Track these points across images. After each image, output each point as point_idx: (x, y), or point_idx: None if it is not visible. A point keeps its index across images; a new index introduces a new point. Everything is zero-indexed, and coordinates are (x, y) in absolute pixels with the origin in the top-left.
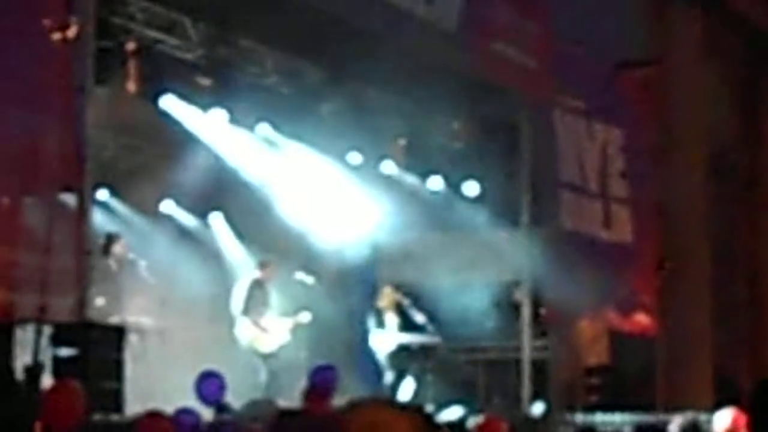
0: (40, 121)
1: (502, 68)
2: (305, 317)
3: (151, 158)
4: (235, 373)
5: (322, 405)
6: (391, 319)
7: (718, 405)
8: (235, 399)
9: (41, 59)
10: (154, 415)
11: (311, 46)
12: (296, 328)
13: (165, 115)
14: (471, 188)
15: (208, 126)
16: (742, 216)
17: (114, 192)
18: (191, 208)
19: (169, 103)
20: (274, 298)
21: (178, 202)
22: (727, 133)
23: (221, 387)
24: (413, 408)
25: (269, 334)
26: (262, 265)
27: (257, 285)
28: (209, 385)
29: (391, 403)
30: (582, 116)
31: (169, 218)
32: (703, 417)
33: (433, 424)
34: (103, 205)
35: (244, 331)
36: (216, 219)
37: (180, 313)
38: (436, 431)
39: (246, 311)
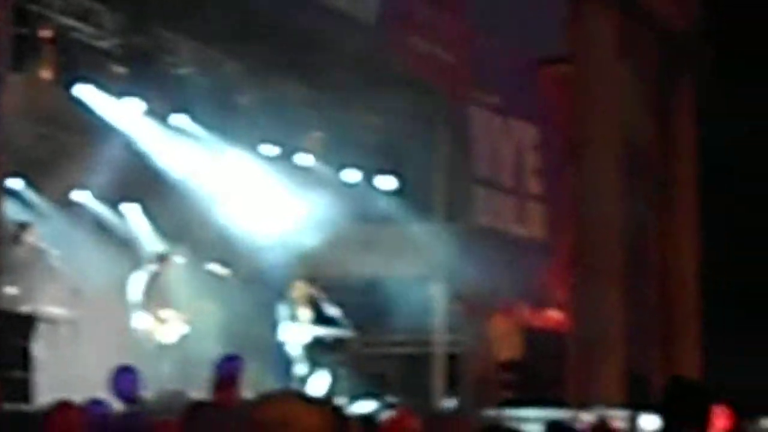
0: None
1: (419, 62)
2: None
3: (67, 147)
4: (143, 364)
5: (230, 395)
6: (304, 312)
7: (629, 402)
8: (142, 390)
9: None
10: (63, 405)
11: (229, 37)
12: (205, 319)
13: (80, 104)
14: (388, 182)
15: (123, 115)
16: (655, 215)
17: (28, 181)
18: (106, 198)
19: (83, 91)
20: (181, 289)
21: (93, 192)
22: (642, 133)
23: (136, 381)
24: (323, 401)
25: (168, 325)
26: (161, 258)
27: (155, 277)
28: (124, 379)
29: (301, 396)
30: (498, 112)
31: (82, 208)
32: (612, 413)
33: (342, 417)
34: (16, 195)
35: (142, 322)
36: (130, 209)
37: (92, 303)
38: (346, 424)
39: (143, 303)
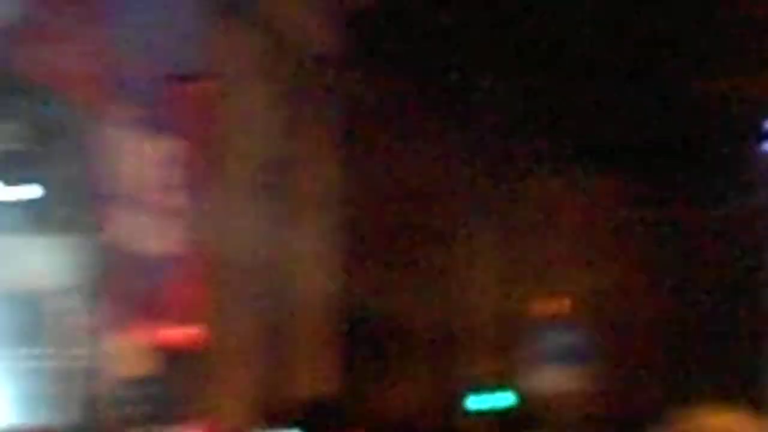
0: None
1: (52, 72)
2: None
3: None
4: None
5: None
6: None
7: (262, 421)
8: None
9: None
10: None
11: None
12: None
13: None
14: (25, 192)
15: None
16: (289, 232)
17: None
18: None
19: None
20: None
21: None
22: (280, 152)
23: None
24: None
25: None
26: None
27: None
28: None
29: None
30: (135, 126)
31: None
32: None
33: None
34: None
35: None
36: None
37: None
38: None
39: None
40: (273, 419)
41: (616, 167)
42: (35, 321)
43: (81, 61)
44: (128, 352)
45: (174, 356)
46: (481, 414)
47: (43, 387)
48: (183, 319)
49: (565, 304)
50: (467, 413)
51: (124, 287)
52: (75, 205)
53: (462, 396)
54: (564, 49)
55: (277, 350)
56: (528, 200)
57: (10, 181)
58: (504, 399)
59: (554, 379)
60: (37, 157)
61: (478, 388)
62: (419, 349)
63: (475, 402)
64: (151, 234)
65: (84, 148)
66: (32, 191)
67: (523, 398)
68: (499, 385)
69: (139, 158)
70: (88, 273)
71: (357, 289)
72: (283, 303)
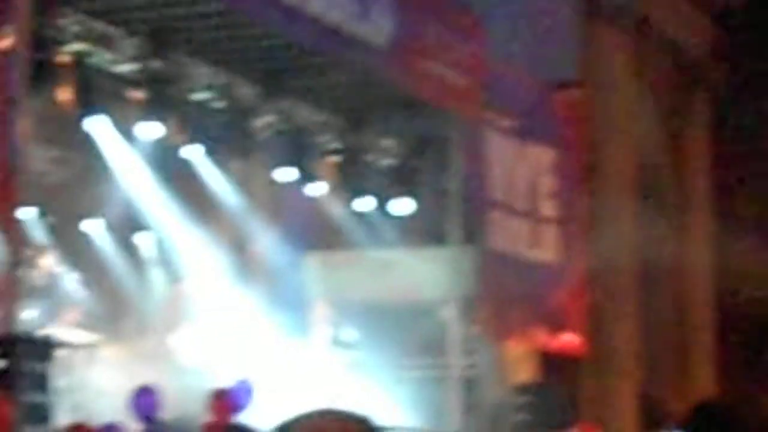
0: None
1: (431, 85)
2: None
3: (82, 173)
4: (166, 385)
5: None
6: (322, 334)
7: (644, 427)
8: (162, 411)
9: None
10: (78, 428)
11: (243, 60)
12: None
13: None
14: (402, 206)
15: (128, 160)
16: (669, 236)
17: (41, 207)
18: (116, 229)
19: (94, 121)
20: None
21: (106, 221)
22: (656, 154)
23: (156, 402)
24: (361, 419)
25: (190, 346)
26: (178, 282)
27: (174, 300)
28: (144, 399)
29: (339, 413)
30: (513, 135)
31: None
32: None
33: None
34: (31, 219)
35: (166, 343)
36: (143, 238)
37: (109, 326)
38: None
39: (166, 325)
40: (657, 425)
41: None
42: (429, 331)
43: (458, 73)
44: (514, 359)
45: (558, 363)
46: None
47: (440, 395)
48: (566, 326)
49: None
50: None
51: (506, 295)
52: (454, 215)
53: None
54: None
55: (660, 355)
56: None
57: (390, 196)
58: None
59: None
60: (414, 170)
61: None
62: None
63: None
64: (529, 241)
65: (460, 159)
66: (411, 204)
67: None
68: None
69: (516, 166)
70: (470, 282)
71: (741, 293)
72: (666, 308)
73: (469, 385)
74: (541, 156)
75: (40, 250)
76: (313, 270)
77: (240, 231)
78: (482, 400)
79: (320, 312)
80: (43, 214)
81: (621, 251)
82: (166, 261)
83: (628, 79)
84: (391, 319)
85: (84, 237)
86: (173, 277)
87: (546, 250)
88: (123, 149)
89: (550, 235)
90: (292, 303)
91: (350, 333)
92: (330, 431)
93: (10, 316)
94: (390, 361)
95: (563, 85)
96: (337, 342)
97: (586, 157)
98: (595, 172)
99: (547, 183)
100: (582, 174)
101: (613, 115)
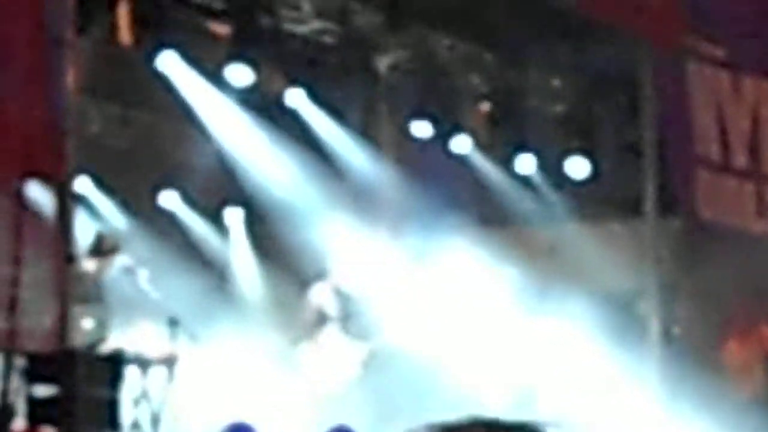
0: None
1: (615, 6)
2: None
3: (148, 134)
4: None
5: None
6: None
7: None
8: None
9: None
10: None
11: None
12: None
13: (163, 79)
14: (577, 167)
15: (218, 98)
16: None
17: (99, 181)
18: (200, 202)
19: (169, 61)
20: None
21: (184, 194)
22: None
23: None
24: (520, 427)
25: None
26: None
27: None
28: None
29: (493, 424)
30: (725, 68)
31: (170, 216)
32: None
33: None
34: (84, 198)
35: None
36: (233, 216)
37: (194, 337)
38: None
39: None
40: None
41: None
42: (618, 333)
43: None
44: (736, 368)
45: None
46: None
47: None
48: None
49: None
50: None
51: (722, 283)
52: (647, 178)
53: None
54: None
55: None
56: None
57: (559, 153)
58: None
59: None
60: (592, 120)
61: None
62: None
63: None
64: (754, 210)
65: (654, 102)
66: (587, 165)
67: None
68: None
69: (731, 110)
70: (673, 267)
71: None
72: None
73: None
74: (764, 94)
75: (102, 237)
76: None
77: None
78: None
79: None
80: (98, 191)
81: None
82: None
83: None
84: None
85: (156, 221)
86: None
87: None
88: (207, 97)
89: None
90: None
91: None
92: None
93: (63, 327)
94: None
95: None
96: None
97: None
98: None
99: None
100: None
101: None
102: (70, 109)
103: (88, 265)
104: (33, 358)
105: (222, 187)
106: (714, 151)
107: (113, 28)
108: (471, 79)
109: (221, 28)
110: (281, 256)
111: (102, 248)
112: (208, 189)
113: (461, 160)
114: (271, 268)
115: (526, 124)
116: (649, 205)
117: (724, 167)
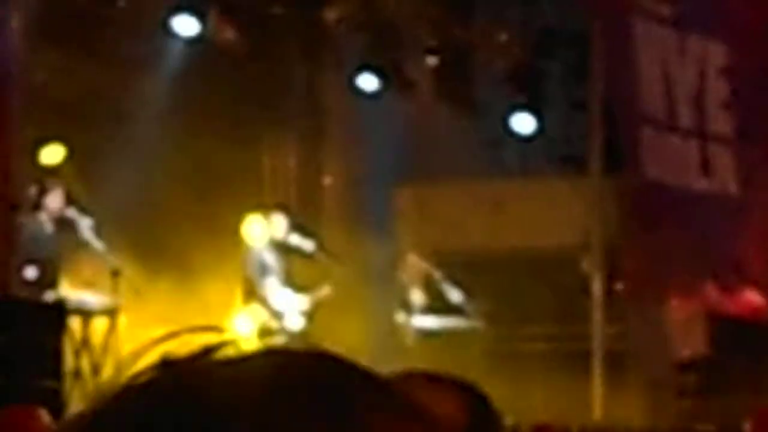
0: None
1: None
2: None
3: (97, 86)
4: None
5: None
6: (418, 297)
7: None
8: None
9: None
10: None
11: None
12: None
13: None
14: (523, 122)
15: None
16: None
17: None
18: None
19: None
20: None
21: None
22: None
23: None
24: (461, 385)
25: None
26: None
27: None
28: None
29: (432, 377)
30: (671, 26)
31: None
32: None
33: (485, 406)
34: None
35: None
36: None
37: (137, 287)
38: (491, 415)
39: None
40: None
41: None
42: (561, 291)
43: None
44: (677, 326)
45: (735, 330)
46: None
47: (576, 374)
48: (746, 282)
49: None
50: None
51: (665, 240)
52: (593, 134)
53: None
54: None
55: None
56: None
57: (506, 109)
58: None
59: None
60: (539, 75)
61: None
62: None
63: None
64: (697, 168)
65: (601, 59)
66: (533, 121)
67: None
68: None
69: (677, 68)
70: (617, 224)
71: None
72: None
73: (616, 361)
74: (710, 54)
75: (45, 184)
76: (403, 208)
77: (307, 158)
78: (634, 381)
79: (412, 266)
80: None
81: None
82: None
83: None
84: (509, 275)
85: (103, 168)
86: None
87: (719, 178)
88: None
89: (726, 159)
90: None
91: (453, 294)
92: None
93: (6, 273)
94: (507, 331)
95: None
96: (433, 306)
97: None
98: None
99: (718, 90)
100: (763, 81)
101: None
102: (16, 57)
103: (32, 213)
104: None
105: None
106: (659, 109)
107: None
108: (418, 33)
109: None
110: None
111: (44, 196)
112: None
113: (407, 114)
114: None
115: (472, 78)
116: (595, 162)
117: (669, 125)
